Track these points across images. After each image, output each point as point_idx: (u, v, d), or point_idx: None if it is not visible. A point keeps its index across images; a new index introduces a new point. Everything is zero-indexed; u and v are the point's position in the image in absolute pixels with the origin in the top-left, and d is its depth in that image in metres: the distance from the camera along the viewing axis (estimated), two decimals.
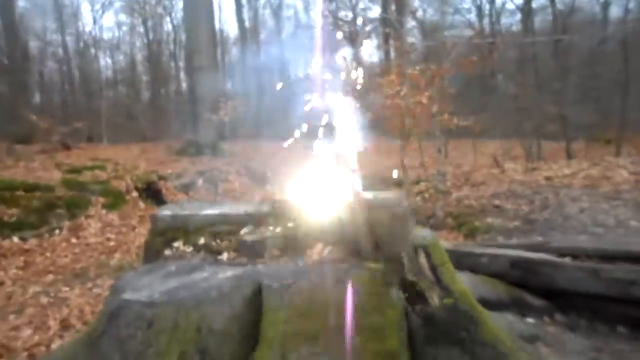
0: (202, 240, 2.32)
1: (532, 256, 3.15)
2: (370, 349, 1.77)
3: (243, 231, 2.32)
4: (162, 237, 2.40)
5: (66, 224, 7.50)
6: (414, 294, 2.01)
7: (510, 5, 22.11)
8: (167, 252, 2.31)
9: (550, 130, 13.48)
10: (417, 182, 9.30)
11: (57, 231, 7.27)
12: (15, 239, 6.76)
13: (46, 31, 24.45)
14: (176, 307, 1.79)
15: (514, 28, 22.18)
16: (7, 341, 3.92)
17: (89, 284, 5.47)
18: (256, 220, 2.38)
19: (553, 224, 6.05)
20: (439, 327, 1.98)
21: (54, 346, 3.98)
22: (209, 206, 2.67)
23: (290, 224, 2.28)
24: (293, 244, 2.22)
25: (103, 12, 26.67)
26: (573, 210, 6.44)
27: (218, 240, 2.31)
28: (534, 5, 19.11)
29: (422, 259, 2.12)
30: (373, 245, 2.10)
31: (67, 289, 5.33)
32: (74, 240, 7.15)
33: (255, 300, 1.85)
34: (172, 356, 1.73)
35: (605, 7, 19.03)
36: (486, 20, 23.48)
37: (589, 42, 15.19)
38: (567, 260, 3.12)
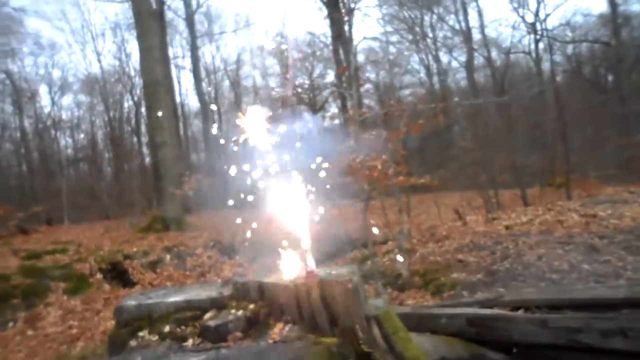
0: (167, 328, 2.36)
1: (486, 312, 3.29)
2: None
3: (206, 316, 2.39)
4: (128, 327, 2.42)
5: (22, 315, 7.21)
6: None
7: (455, 64, 23.73)
8: (133, 342, 2.33)
9: (506, 179, 14.10)
10: (384, 242, 9.47)
11: (11, 324, 6.97)
12: None
13: (2, 114, 24.37)
14: None
15: (462, 83, 23.68)
16: None
17: None
18: (219, 304, 2.46)
19: (514, 274, 6.26)
20: None
21: None
22: (174, 292, 2.73)
23: (251, 306, 2.37)
24: (255, 326, 2.30)
25: (62, 93, 26.90)
26: (531, 258, 6.69)
27: (183, 327, 2.35)
28: (475, 62, 20.59)
29: (375, 329, 2.22)
30: (329, 321, 2.20)
31: None
32: (30, 332, 6.84)
33: None
34: None
35: (538, 62, 20.76)
36: (435, 79, 24.99)
37: (527, 95, 16.37)
38: (519, 313, 3.28)
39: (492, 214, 11.20)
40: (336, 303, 2.21)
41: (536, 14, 19.69)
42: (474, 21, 19.68)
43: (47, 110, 26.42)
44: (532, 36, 19.97)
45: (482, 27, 18.94)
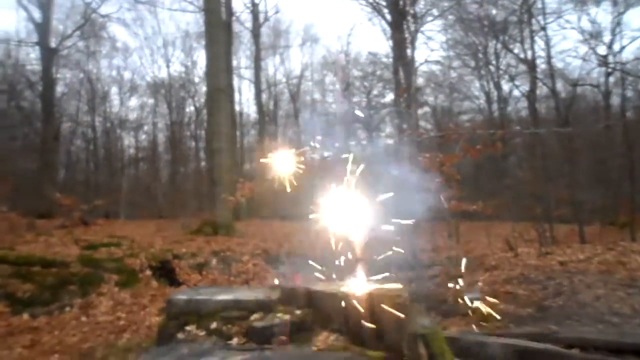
0: (214, 325, 2.42)
1: (538, 346, 3.14)
2: None
3: (253, 317, 2.43)
4: (176, 320, 2.50)
5: (78, 301, 7.56)
6: None
7: (517, 93, 23.03)
8: (180, 335, 2.40)
9: (563, 213, 13.50)
10: (430, 266, 9.26)
11: (67, 308, 7.32)
12: (25, 316, 6.82)
13: (78, 112, 26.02)
14: None
15: (522, 113, 22.91)
16: None
17: None
18: (266, 306, 2.49)
19: (567, 312, 5.94)
20: None
21: None
22: (222, 291, 2.79)
23: (298, 312, 2.38)
24: (300, 331, 2.31)
25: (130, 95, 28.38)
26: (588, 297, 6.33)
27: (229, 325, 2.40)
28: (538, 92, 19.90)
29: (422, 348, 2.17)
30: (375, 334, 2.18)
31: None
32: (83, 318, 7.16)
33: None
34: None
35: (607, 95, 19.78)
36: (495, 106, 24.34)
37: (593, 129, 15.65)
38: (574, 351, 3.11)
39: (545, 247, 10.72)
40: (384, 317, 2.18)
41: (609, 46, 18.89)
42: (540, 50, 19.10)
43: (115, 110, 27.97)
44: (603, 69, 19.14)
45: (548, 57, 18.30)
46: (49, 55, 20.32)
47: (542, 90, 19.93)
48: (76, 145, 26.38)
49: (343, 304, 2.28)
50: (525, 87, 20.78)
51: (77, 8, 23.32)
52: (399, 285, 2.44)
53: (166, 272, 9.49)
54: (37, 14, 20.60)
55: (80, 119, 26.24)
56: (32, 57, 22.72)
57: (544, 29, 17.75)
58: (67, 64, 24.35)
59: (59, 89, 23.95)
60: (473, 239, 14.46)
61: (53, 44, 21.34)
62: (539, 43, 18.44)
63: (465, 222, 13.24)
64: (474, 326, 6.10)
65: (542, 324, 5.49)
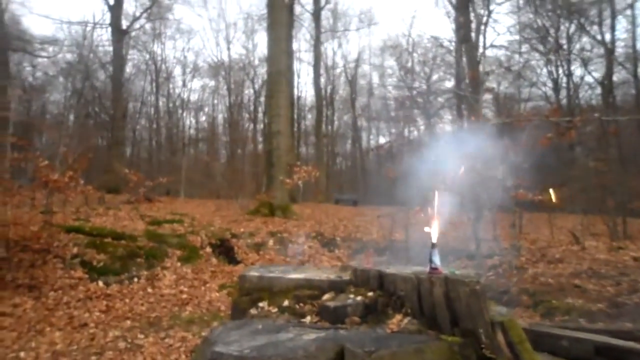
0: (286, 303, 2.45)
1: (621, 344, 2.96)
2: None
3: (325, 297, 2.44)
4: (249, 296, 2.56)
5: (144, 273, 7.95)
6: None
7: (589, 79, 21.61)
8: (253, 311, 2.45)
9: (638, 207, 12.65)
10: (491, 256, 8.99)
11: (136, 279, 7.72)
12: (100, 284, 7.27)
13: (144, 92, 27.17)
14: None
15: (594, 102, 21.50)
16: None
17: (162, 334, 5.74)
18: (338, 287, 2.49)
19: None
20: None
21: None
22: (293, 270, 2.82)
23: (370, 294, 2.37)
24: (372, 313, 2.30)
25: (193, 76, 29.21)
26: None
27: (301, 304, 2.43)
28: (615, 78, 18.56)
29: (500, 336, 2.10)
30: (450, 319, 2.13)
31: (142, 336, 5.63)
32: (150, 289, 7.54)
33: None
34: None
35: None
36: (564, 93, 22.99)
37: None
38: None
39: (617, 242, 10.11)
40: (460, 303, 2.13)
41: None
42: (621, 32, 17.66)
43: (177, 91, 28.98)
44: None
45: (633, 39, 16.85)
46: (119, 37, 21.24)
47: (619, 75, 18.58)
48: (141, 124, 27.59)
49: (417, 288, 2.24)
50: (600, 73, 19.46)
51: None
52: (473, 271, 2.36)
53: (225, 250, 9.78)
54: None
55: (145, 98, 27.39)
56: (104, 38, 23.90)
57: (631, 6, 16.41)
58: (135, 45, 25.40)
59: (128, 69, 25.09)
60: (535, 230, 13.88)
61: (124, 25, 22.26)
62: (622, 24, 17.10)
63: (528, 213, 12.72)
64: (537, 319, 5.90)
65: (616, 321, 5.20)
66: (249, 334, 2.17)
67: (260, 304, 2.49)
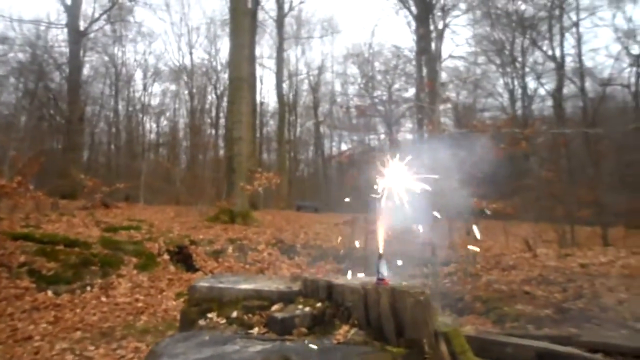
0: (235, 314, 2.44)
1: (560, 349, 3.10)
2: None
3: (274, 308, 2.44)
4: (198, 307, 2.53)
5: (99, 281, 7.73)
6: None
7: (542, 91, 22.57)
8: (202, 321, 2.43)
9: (585, 215, 13.24)
10: (447, 264, 9.20)
11: (89, 288, 7.49)
12: (49, 293, 7.01)
13: (103, 96, 26.45)
14: None
15: (546, 112, 22.46)
16: None
17: (114, 345, 5.58)
18: (287, 297, 2.50)
19: (588, 315, 5.84)
20: None
21: None
22: (244, 280, 2.82)
23: (318, 304, 2.39)
24: (320, 324, 2.32)
25: (154, 80, 28.68)
26: (610, 301, 6.22)
27: (250, 315, 2.42)
28: (565, 91, 19.46)
29: (443, 346, 2.17)
30: (396, 330, 2.17)
31: (92, 347, 5.45)
32: (103, 298, 7.33)
33: None
34: None
35: (637, 96, 19.27)
36: (518, 104, 23.91)
37: (621, 130, 15.24)
38: (598, 356, 3.05)
39: (565, 249, 10.55)
40: (405, 313, 2.18)
41: None
42: (570, 48, 18.64)
43: (138, 95, 28.35)
44: (635, 69, 18.65)
45: (579, 55, 17.86)
46: (77, 38, 20.66)
47: (569, 89, 19.51)
48: (100, 128, 26.84)
49: (364, 299, 2.28)
50: (552, 85, 20.37)
51: None
52: (419, 282, 2.42)
53: (183, 258, 9.62)
54: None
55: (104, 102, 26.69)
56: (60, 39, 23.14)
57: (576, 25, 17.33)
58: (94, 47, 24.75)
59: (85, 72, 24.39)
60: (491, 238, 14.31)
61: (81, 27, 21.66)
62: (569, 40, 18.05)
63: (482, 221, 13.11)
64: (489, 326, 6.08)
65: (561, 326, 5.42)
66: (196, 346, 2.15)
67: (209, 315, 2.47)
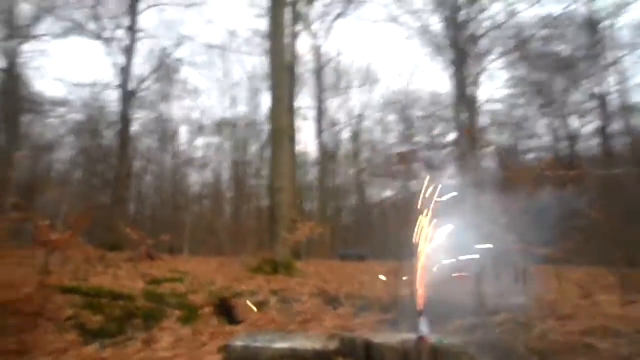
0: None
1: None
2: None
3: None
4: None
5: (141, 335, 7.74)
6: None
7: (586, 130, 21.86)
8: None
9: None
10: (496, 313, 8.72)
11: (132, 341, 7.51)
12: (95, 347, 7.06)
13: (149, 150, 27.76)
14: None
15: (594, 150, 21.64)
16: None
17: None
18: (323, 356, 2.40)
19: None
20: None
21: None
22: (279, 338, 2.74)
23: None
24: None
25: (198, 134, 29.90)
26: None
27: None
28: (613, 127, 18.77)
29: None
30: None
31: None
32: (147, 352, 7.31)
33: None
34: None
35: None
36: (563, 143, 23.20)
37: None
38: None
39: (630, 296, 9.79)
40: None
41: None
42: (613, 84, 18.11)
43: (182, 148, 29.55)
44: None
45: (622, 91, 17.30)
46: (127, 97, 21.96)
47: (616, 125, 18.83)
48: (146, 181, 27.95)
49: (404, 358, 2.15)
50: (596, 124, 19.75)
51: (154, 52, 25.31)
52: (461, 338, 2.27)
53: (226, 310, 9.56)
54: (120, 59, 22.53)
55: (151, 156, 27.90)
56: (112, 98, 24.74)
57: (615, 62, 16.93)
58: (142, 104, 26.19)
59: (134, 128, 25.78)
60: (541, 284, 13.54)
61: (131, 86, 23.11)
62: (612, 77, 17.58)
63: (533, 266, 12.49)
64: None
65: None
66: None
67: None
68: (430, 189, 2.84)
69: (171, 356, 7.32)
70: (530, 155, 23.70)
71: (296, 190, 21.04)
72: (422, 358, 2.08)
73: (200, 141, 31.19)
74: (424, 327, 2.21)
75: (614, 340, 6.48)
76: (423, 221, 2.59)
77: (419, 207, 2.75)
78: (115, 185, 20.76)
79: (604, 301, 9.35)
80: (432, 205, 2.99)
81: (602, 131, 17.90)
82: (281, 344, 2.57)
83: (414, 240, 2.48)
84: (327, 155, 27.97)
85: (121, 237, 16.07)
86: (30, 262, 9.89)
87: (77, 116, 23.69)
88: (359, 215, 29.78)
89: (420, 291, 2.30)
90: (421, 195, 2.87)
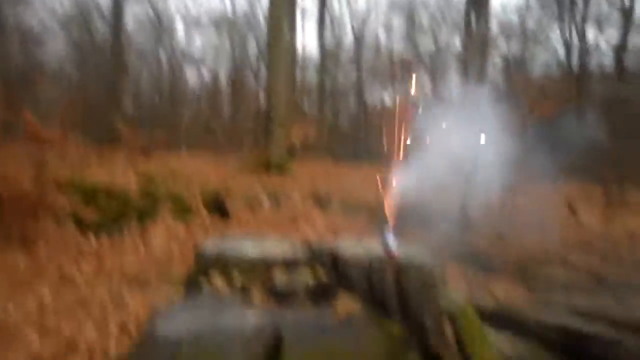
0: (238, 278, 2.41)
1: (585, 327, 2.93)
2: None
3: (277, 275, 2.39)
4: (203, 270, 2.51)
5: (136, 230, 7.95)
6: None
7: (603, 44, 20.76)
8: (206, 285, 2.41)
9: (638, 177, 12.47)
10: (480, 223, 8.94)
11: (127, 236, 7.73)
12: (92, 240, 7.28)
13: (145, 45, 26.70)
14: (200, 348, 1.88)
15: (608, 69, 20.77)
16: (71, 339, 4.23)
17: (150, 293, 5.77)
18: (292, 264, 2.43)
19: (629, 287, 5.55)
20: None
21: (112, 348, 4.23)
22: (250, 242, 2.77)
23: (322, 273, 2.31)
24: (323, 294, 2.24)
25: (195, 30, 28.63)
26: None
27: (253, 280, 2.38)
28: (631, 45, 17.84)
29: (447, 326, 2.05)
30: (400, 307, 2.07)
31: (129, 294, 5.66)
32: (141, 246, 7.56)
33: (275, 350, 1.89)
34: None
35: None
36: (575, 58, 22.19)
37: None
38: (628, 336, 2.87)
39: (613, 213, 10.02)
40: (410, 290, 2.07)
41: None
42: None
43: (180, 45, 28.45)
44: None
45: None
46: None
47: (635, 42, 17.84)
48: (142, 77, 27.25)
49: (368, 272, 2.17)
50: (615, 38, 18.72)
51: None
52: (432, 255, 2.28)
53: (218, 207, 9.76)
54: None
55: (147, 52, 26.94)
56: None
57: None
58: None
59: (129, 23, 24.61)
60: (532, 198, 13.76)
61: None
62: None
63: (525, 179, 12.60)
64: (520, 290, 5.89)
65: (597, 296, 5.18)
66: (194, 313, 2.13)
67: (213, 280, 2.45)
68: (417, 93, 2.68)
69: (165, 251, 7.60)
70: (539, 70, 22.82)
71: (294, 91, 20.59)
72: (387, 273, 2.10)
73: (197, 38, 29.98)
74: (391, 242, 2.20)
75: (588, 254, 6.74)
76: (408, 126, 2.48)
77: (404, 112, 2.61)
78: (110, 81, 20.26)
79: (587, 217, 9.58)
80: (420, 110, 2.86)
81: (620, 47, 16.98)
82: (251, 250, 2.60)
83: (390, 145, 2.39)
84: (328, 56, 26.99)
85: (117, 133, 15.96)
86: (25, 159, 9.89)
87: (67, 8, 22.49)
88: (357, 119, 29.42)
89: (390, 203, 2.26)
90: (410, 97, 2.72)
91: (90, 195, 8.31)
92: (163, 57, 27.42)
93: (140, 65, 26.59)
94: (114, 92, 19.85)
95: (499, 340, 2.76)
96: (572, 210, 9.83)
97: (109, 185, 9.25)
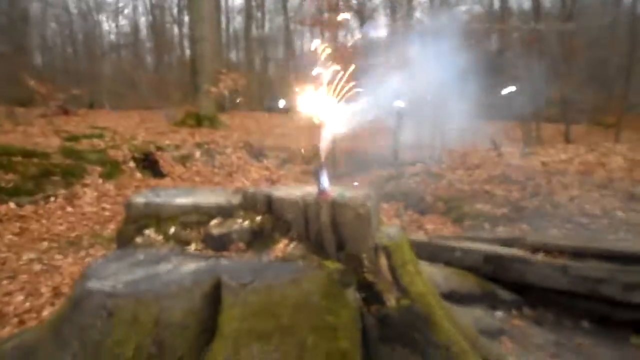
0: (172, 230, 2.37)
1: (504, 252, 3.22)
2: (322, 348, 1.83)
3: (212, 223, 2.37)
4: (135, 224, 2.44)
5: (62, 192, 7.56)
6: (371, 295, 2.06)
7: None
8: (138, 239, 2.36)
9: (553, 113, 13.35)
10: (413, 164, 9.30)
11: (52, 199, 7.34)
12: (12, 205, 6.84)
13: None
14: (136, 299, 1.86)
15: (525, 6, 21.56)
16: None
17: (82, 253, 5.59)
18: (226, 211, 2.42)
19: (541, 212, 6.08)
20: (394, 328, 2.04)
21: (45, 313, 4.10)
22: (183, 194, 2.71)
23: (258, 218, 2.33)
24: (259, 239, 2.27)
25: None
26: (563, 198, 6.46)
27: (188, 230, 2.36)
28: None
29: (383, 260, 2.16)
30: (336, 244, 2.14)
31: (60, 257, 5.45)
32: (69, 208, 7.23)
33: (214, 296, 1.91)
34: (129, 347, 1.80)
35: None
36: None
37: (598, 25, 14.87)
38: (538, 256, 3.18)
39: (529, 147, 10.75)
40: (345, 227, 2.13)
41: None
42: None
43: None
44: None
45: None
46: None
47: None
48: (51, 28, 24.81)
49: (304, 212, 2.21)
50: None
51: None
52: (364, 192, 2.35)
53: (150, 164, 9.46)
54: None
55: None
56: None
57: None
58: None
59: None
60: (457, 137, 14.42)
61: None
62: None
63: (453, 120, 13.12)
64: (449, 225, 6.29)
65: (515, 224, 5.64)
66: (128, 266, 2.09)
67: (146, 232, 2.39)
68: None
69: (96, 211, 7.31)
70: (463, 7, 23.24)
71: (220, 40, 19.76)
72: (322, 212, 2.15)
73: None
74: (325, 181, 2.24)
75: (508, 187, 7.26)
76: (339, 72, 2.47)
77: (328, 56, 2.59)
78: (10, 31, 18.29)
79: (508, 153, 10.24)
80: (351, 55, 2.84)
81: None
82: (184, 200, 2.55)
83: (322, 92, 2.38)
84: (254, 1, 25.91)
85: (29, 91, 14.68)
86: None
87: None
88: (287, 67, 28.88)
89: (325, 144, 2.29)
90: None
91: (3, 158, 7.72)
92: (71, 4, 24.99)
93: (44, 13, 24.12)
94: (18, 46, 18.03)
95: (431, 272, 2.95)
96: (495, 146, 10.42)
97: (25, 146, 8.64)
